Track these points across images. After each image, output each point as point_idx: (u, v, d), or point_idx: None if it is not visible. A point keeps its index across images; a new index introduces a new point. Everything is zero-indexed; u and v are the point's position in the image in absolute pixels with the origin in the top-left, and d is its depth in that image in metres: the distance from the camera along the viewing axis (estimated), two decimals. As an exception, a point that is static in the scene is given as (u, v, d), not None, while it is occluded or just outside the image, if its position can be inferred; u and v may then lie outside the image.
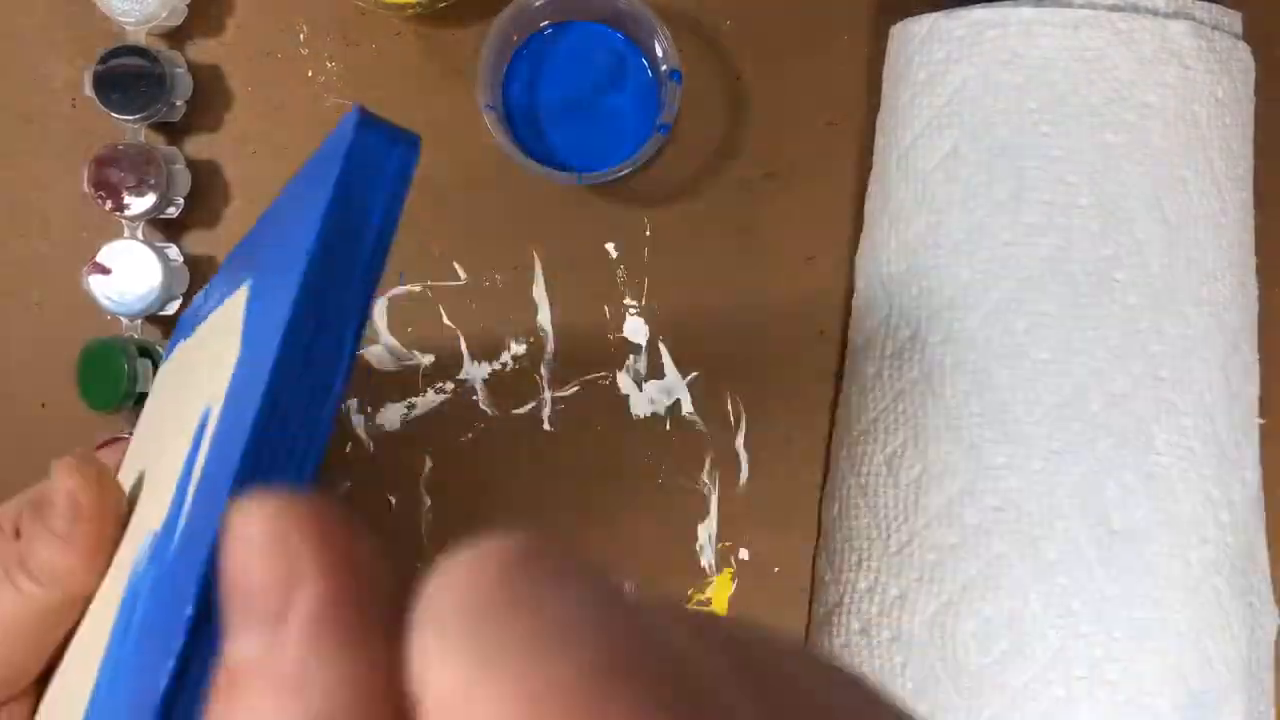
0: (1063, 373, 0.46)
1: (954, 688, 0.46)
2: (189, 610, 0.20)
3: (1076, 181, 0.46)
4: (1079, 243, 0.46)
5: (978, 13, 0.48)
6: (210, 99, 0.52)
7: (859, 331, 0.51)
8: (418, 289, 0.52)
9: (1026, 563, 0.46)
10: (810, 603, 0.52)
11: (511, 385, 0.52)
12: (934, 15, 0.48)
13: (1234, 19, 0.49)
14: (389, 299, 0.52)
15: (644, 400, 0.52)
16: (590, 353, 0.52)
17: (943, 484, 0.47)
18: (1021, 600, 0.46)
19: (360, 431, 0.51)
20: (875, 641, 0.48)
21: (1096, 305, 0.46)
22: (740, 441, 0.52)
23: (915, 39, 0.49)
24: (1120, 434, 0.46)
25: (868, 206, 0.51)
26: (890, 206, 0.50)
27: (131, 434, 0.49)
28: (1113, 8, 0.47)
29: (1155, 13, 0.47)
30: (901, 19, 0.50)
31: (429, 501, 0.51)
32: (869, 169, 0.52)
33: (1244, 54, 0.49)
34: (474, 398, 0.52)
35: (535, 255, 0.52)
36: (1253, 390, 0.49)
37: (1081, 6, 0.47)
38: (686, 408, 0.52)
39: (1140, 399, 0.46)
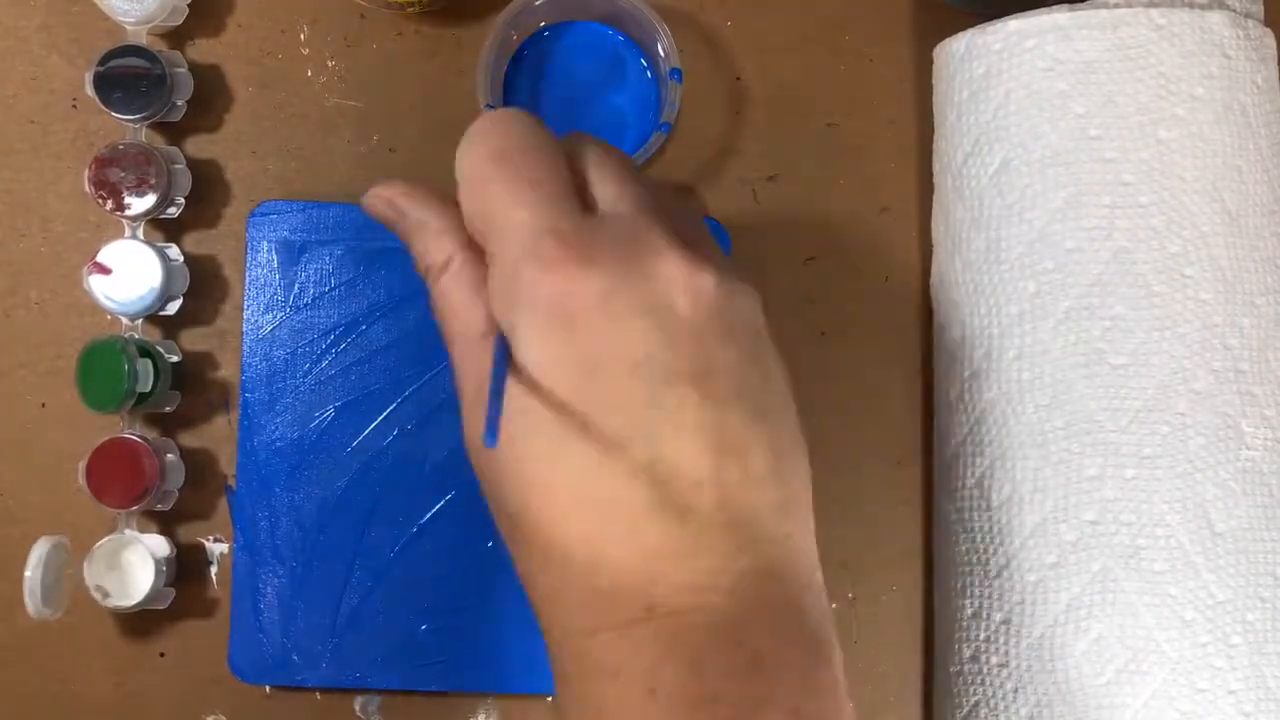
0: (1144, 375, 0.45)
1: (1070, 712, 0.45)
2: None
3: (1134, 181, 0.46)
4: (1145, 242, 0.46)
5: (1013, 24, 0.47)
6: (211, 99, 0.52)
7: (938, 355, 0.51)
8: (418, 289, 0.52)
9: (1132, 576, 0.45)
10: (926, 633, 0.52)
11: (512, 385, 0.52)
12: (970, 32, 0.48)
13: (1258, 6, 0.49)
14: (389, 299, 0.52)
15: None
16: (590, 353, 0.52)
17: (1034, 502, 0.46)
18: (1132, 615, 0.45)
19: (360, 431, 0.51)
20: (985, 668, 0.47)
21: (1170, 303, 0.46)
22: (741, 442, 0.52)
23: (955, 58, 0.49)
24: (1209, 432, 0.45)
25: (933, 229, 0.51)
26: (950, 229, 0.49)
27: (131, 435, 0.49)
28: (1149, 4, 0.47)
29: (1191, 5, 0.47)
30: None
31: (429, 501, 0.51)
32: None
33: (1271, 40, 0.49)
34: (474, 398, 0.52)
35: (535, 255, 0.52)
36: None
37: (1117, 6, 0.47)
38: (687, 408, 0.52)
39: (1224, 395, 0.45)
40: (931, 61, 0.51)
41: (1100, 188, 0.46)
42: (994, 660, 0.47)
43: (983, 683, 0.47)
